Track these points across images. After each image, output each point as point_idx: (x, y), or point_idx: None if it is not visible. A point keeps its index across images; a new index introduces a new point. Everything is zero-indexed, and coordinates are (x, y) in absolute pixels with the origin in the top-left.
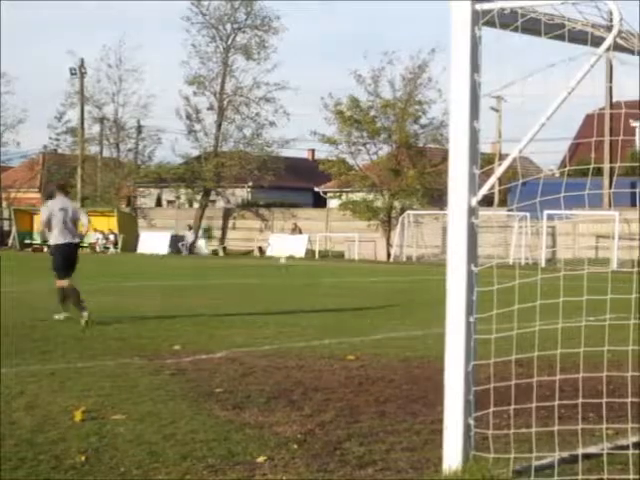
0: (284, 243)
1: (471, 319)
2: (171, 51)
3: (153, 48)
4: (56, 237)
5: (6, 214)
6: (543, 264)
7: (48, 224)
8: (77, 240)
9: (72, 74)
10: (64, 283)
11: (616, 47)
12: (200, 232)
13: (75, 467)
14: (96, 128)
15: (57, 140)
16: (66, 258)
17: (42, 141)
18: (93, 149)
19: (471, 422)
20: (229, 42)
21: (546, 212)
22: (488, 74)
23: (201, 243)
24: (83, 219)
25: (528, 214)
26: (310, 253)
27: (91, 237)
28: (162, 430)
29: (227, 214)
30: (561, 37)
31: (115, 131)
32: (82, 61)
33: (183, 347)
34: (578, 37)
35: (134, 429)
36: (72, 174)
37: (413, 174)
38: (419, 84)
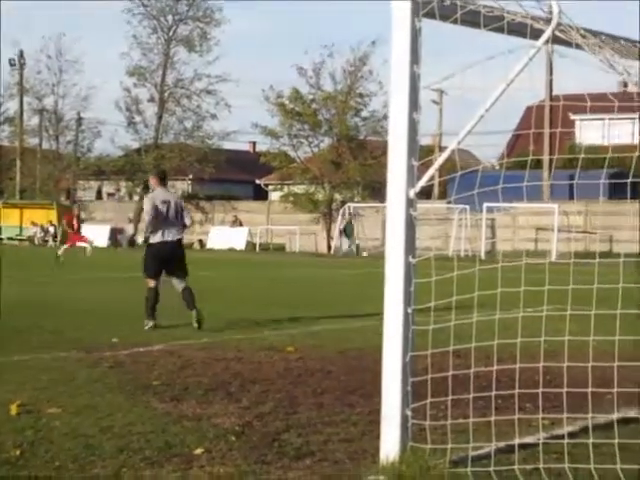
0: (224, 236)
1: (409, 310)
2: (112, 43)
3: (93, 39)
4: (157, 234)
5: None
6: (483, 256)
7: (155, 218)
8: (179, 237)
9: (11, 65)
10: (152, 283)
11: (555, 40)
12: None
13: (10, 461)
14: (35, 120)
15: None
16: (162, 256)
17: None
18: (32, 141)
19: (408, 413)
20: (171, 34)
21: (486, 204)
22: (428, 66)
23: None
24: (186, 214)
25: (468, 207)
26: (251, 246)
27: (29, 230)
28: (99, 423)
29: None
30: (500, 29)
31: (55, 123)
32: (21, 52)
33: (121, 340)
34: (517, 29)
35: (70, 422)
36: (11, 166)
37: (354, 166)
38: (360, 77)
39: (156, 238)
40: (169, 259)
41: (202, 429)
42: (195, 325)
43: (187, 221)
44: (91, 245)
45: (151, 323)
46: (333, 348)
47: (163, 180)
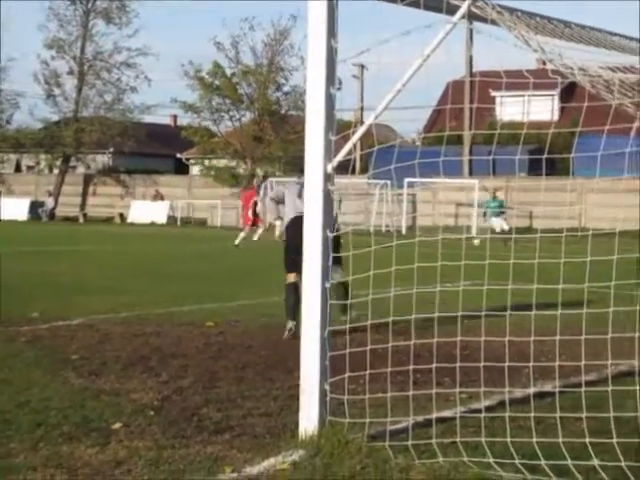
0: (146, 210)
1: (327, 285)
2: (29, 14)
3: (11, 11)
4: (288, 213)
5: None
6: (404, 231)
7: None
8: None
9: None
10: (292, 278)
11: (471, 16)
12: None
13: None
14: None
15: None
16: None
17: None
18: None
19: (327, 387)
20: (89, 5)
21: (406, 180)
22: (347, 41)
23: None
24: None
25: (389, 182)
26: (172, 220)
27: None
28: (15, 398)
29: (87, 180)
30: (416, 4)
31: None
32: None
33: (40, 314)
34: (433, 5)
35: None
36: None
37: (276, 141)
38: (281, 51)
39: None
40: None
41: (120, 404)
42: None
43: None
44: None
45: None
46: (253, 323)
47: None
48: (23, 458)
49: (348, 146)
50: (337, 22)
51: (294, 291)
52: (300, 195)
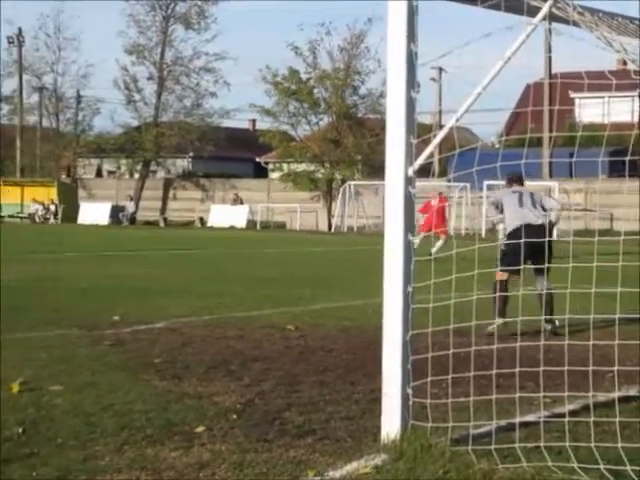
0: (225, 214)
1: (409, 288)
2: (110, 20)
3: (92, 17)
4: (510, 220)
5: None
6: (484, 234)
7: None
8: (541, 221)
9: (10, 43)
10: (503, 276)
11: (552, 17)
12: None
13: (12, 439)
14: (34, 98)
15: None
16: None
17: None
18: (32, 119)
19: (409, 391)
20: (168, 11)
21: (486, 182)
22: (426, 45)
23: None
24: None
25: (468, 185)
26: (251, 224)
27: (30, 207)
28: (100, 401)
29: (167, 184)
30: (497, 7)
31: (54, 101)
32: (20, 30)
33: (122, 318)
34: (514, 7)
35: (72, 400)
36: (11, 144)
37: (353, 145)
38: (357, 54)
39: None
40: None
41: (203, 407)
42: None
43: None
44: None
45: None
46: (334, 326)
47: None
48: (108, 460)
49: (429, 149)
50: (417, 25)
51: (504, 289)
52: (521, 204)
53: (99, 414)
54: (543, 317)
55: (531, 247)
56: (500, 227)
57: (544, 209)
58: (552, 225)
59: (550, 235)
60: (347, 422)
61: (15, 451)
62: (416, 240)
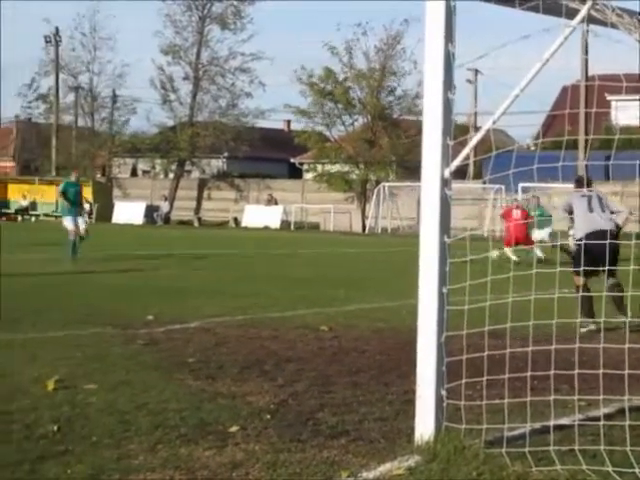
0: (259, 214)
1: (444, 290)
2: (146, 20)
3: (127, 17)
4: (579, 225)
5: None
6: None
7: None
8: (610, 226)
9: (47, 42)
10: (580, 281)
11: (590, 19)
12: None
13: (47, 436)
14: (70, 97)
15: (29, 108)
16: (588, 250)
17: (15, 110)
18: (67, 118)
19: (443, 393)
20: (204, 11)
21: (521, 185)
22: (463, 46)
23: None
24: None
25: (503, 187)
26: (285, 224)
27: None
28: (134, 400)
29: (202, 184)
30: (535, 8)
31: (90, 100)
32: (57, 29)
33: (156, 317)
34: (552, 8)
35: (106, 398)
36: (47, 143)
37: (388, 145)
38: (393, 55)
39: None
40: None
41: (237, 407)
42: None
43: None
44: None
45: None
46: (368, 327)
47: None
48: (142, 459)
49: (466, 151)
50: (454, 26)
51: (585, 290)
52: (590, 209)
53: (133, 413)
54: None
55: (601, 252)
56: (571, 232)
57: (612, 212)
58: (619, 228)
59: (617, 238)
60: (381, 423)
61: (50, 449)
62: (495, 253)
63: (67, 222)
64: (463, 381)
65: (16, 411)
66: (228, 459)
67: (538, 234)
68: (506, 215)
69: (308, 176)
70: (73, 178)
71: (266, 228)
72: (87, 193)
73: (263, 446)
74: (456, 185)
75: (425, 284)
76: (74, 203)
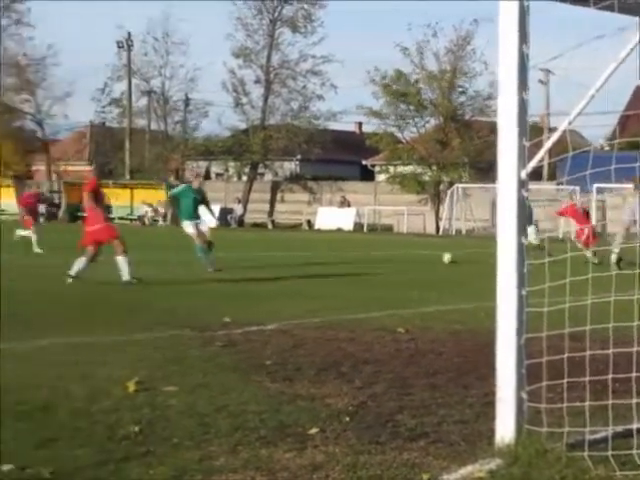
0: (332, 216)
1: (523, 292)
2: (217, 24)
3: (199, 21)
4: None
5: (56, 187)
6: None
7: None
8: None
9: (119, 47)
10: None
11: None
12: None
13: (129, 437)
14: (143, 101)
15: (103, 112)
16: None
17: (89, 114)
18: (140, 122)
19: (524, 396)
20: (275, 15)
21: (596, 185)
22: (535, 46)
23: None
24: None
25: (578, 188)
26: (358, 226)
27: (140, 210)
28: (213, 402)
29: (275, 187)
30: (610, 7)
31: (162, 104)
32: (129, 34)
33: (233, 319)
34: (628, 7)
35: (186, 400)
36: (120, 147)
37: (460, 146)
38: (463, 56)
39: None
40: None
41: (316, 409)
42: None
43: None
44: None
45: None
46: (444, 329)
47: None
48: (223, 461)
49: (542, 152)
50: (529, 27)
51: None
52: None
53: (213, 415)
54: None
55: None
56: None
57: None
58: None
59: None
60: (460, 425)
61: (132, 449)
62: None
63: (187, 227)
64: (544, 383)
65: (98, 412)
66: (308, 461)
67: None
68: (571, 213)
69: (380, 178)
70: (195, 184)
71: (339, 230)
72: (161, 196)
73: (343, 448)
74: (531, 186)
75: (504, 286)
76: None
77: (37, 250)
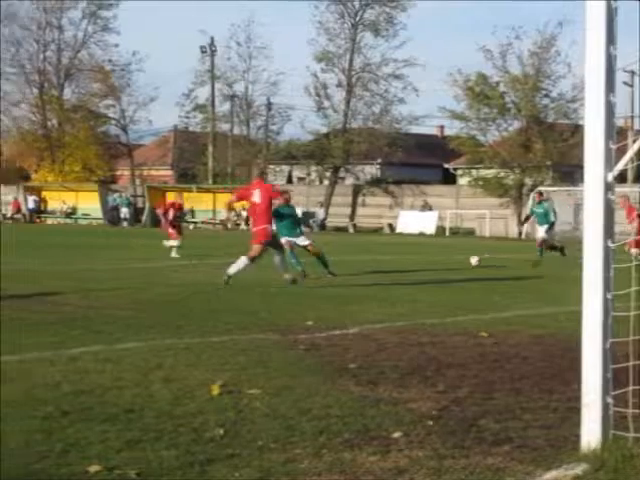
0: (414, 220)
1: (608, 296)
2: (299, 28)
3: (281, 25)
4: None
5: (139, 191)
6: None
7: None
8: None
9: (203, 52)
10: None
11: None
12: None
13: (214, 440)
14: (226, 106)
15: (187, 118)
16: None
17: (173, 119)
18: (223, 127)
19: (609, 400)
20: (357, 19)
21: None
22: (620, 47)
23: None
24: None
25: None
26: (440, 230)
27: (222, 214)
28: (297, 405)
29: (357, 191)
30: None
31: (245, 108)
32: (212, 39)
33: (316, 323)
34: None
35: (270, 403)
36: (203, 152)
37: (543, 149)
38: (547, 58)
39: None
40: None
41: (399, 413)
42: None
43: None
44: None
45: None
46: (527, 334)
47: None
48: (308, 463)
49: (629, 154)
50: (616, 28)
51: None
52: None
53: (297, 418)
54: None
55: None
56: None
57: None
58: None
59: None
60: (545, 430)
61: (218, 452)
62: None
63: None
64: (630, 388)
65: (183, 415)
66: (392, 465)
67: (540, 231)
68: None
69: (462, 181)
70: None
71: (421, 234)
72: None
73: (426, 452)
74: (616, 189)
75: (589, 289)
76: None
77: (174, 255)
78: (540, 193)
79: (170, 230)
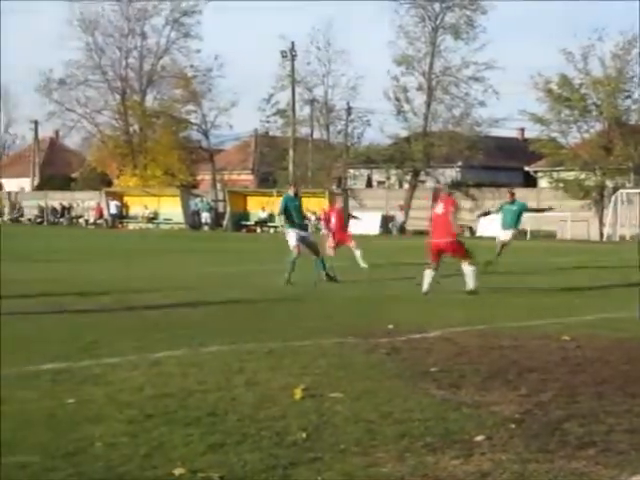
0: (495, 223)
1: None
2: (379, 32)
3: (360, 29)
4: None
5: (220, 196)
6: None
7: None
8: None
9: (283, 57)
10: None
11: None
12: None
13: (296, 443)
14: (306, 110)
15: (267, 122)
16: None
17: (254, 124)
18: (303, 131)
19: None
20: (437, 22)
21: None
22: None
23: None
24: None
25: None
26: (522, 234)
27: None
28: (379, 408)
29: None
30: None
31: (325, 113)
32: (293, 44)
33: (396, 326)
34: None
35: (351, 407)
36: (284, 156)
37: (625, 152)
38: (630, 60)
39: None
40: None
41: (481, 416)
42: None
43: None
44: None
45: None
46: (608, 337)
47: None
48: (391, 467)
49: None
50: None
51: None
52: None
53: (379, 421)
54: None
55: None
56: None
57: None
58: None
59: None
60: (629, 435)
61: (300, 455)
62: None
63: (290, 238)
64: None
65: (266, 419)
66: (475, 468)
67: (502, 232)
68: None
69: (542, 184)
70: (291, 192)
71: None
72: (323, 204)
73: (510, 456)
74: None
75: None
76: (294, 217)
77: (363, 265)
78: (512, 193)
79: (331, 241)
